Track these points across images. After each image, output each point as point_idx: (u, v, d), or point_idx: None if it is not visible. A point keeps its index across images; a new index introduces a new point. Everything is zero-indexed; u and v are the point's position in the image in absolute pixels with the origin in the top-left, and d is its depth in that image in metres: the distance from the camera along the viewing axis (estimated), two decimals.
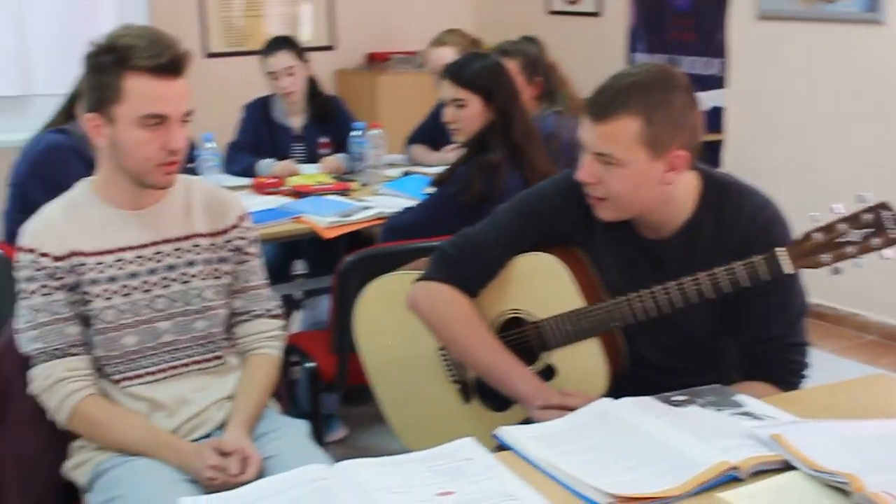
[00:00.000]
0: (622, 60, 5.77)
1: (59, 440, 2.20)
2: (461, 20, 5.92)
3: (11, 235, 3.08)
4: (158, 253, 2.19)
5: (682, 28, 5.51)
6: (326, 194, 3.79)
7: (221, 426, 2.21)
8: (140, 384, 2.19)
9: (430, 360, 2.40)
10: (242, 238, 2.30)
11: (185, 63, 2.09)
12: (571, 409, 1.94)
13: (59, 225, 2.14)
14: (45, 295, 2.11)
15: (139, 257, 2.17)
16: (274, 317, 2.38)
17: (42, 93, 4.71)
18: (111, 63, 2.04)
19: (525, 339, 2.28)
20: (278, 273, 4.31)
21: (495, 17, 6.51)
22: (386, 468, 1.60)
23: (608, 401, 1.87)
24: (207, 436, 2.20)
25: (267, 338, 2.35)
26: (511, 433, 1.75)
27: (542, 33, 5.94)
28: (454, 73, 3.18)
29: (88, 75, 2.10)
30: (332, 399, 3.61)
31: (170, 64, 2.05)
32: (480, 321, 2.24)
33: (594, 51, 5.83)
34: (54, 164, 3.09)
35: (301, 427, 2.25)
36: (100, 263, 2.14)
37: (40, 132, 3.26)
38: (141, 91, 2.04)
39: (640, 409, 1.78)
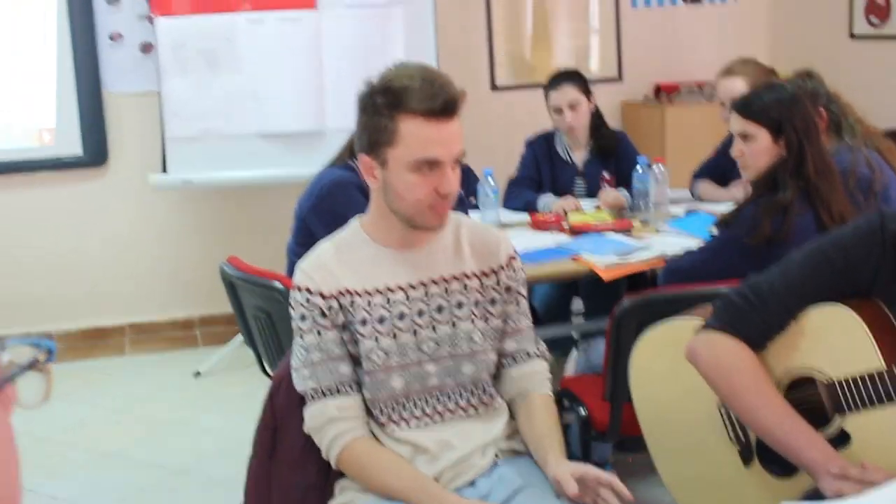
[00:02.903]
0: None
1: (325, 478, 2.21)
2: (754, 48, 5.67)
3: (293, 267, 3.16)
4: (427, 294, 2.16)
5: None
6: (605, 232, 3.68)
7: (483, 473, 2.15)
8: (405, 428, 2.16)
9: (708, 416, 2.24)
10: (513, 279, 2.24)
11: (458, 105, 2.04)
12: (869, 484, 1.73)
13: (330, 263, 2.15)
14: (317, 333, 2.12)
15: (408, 298, 2.15)
16: (544, 357, 2.31)
17: (334, 128, 4.87)
18: (385, 105, 2.02)
19: (816, 400, 2.07)
20: (556, 312, 4.25)
21: (791, 44, 6.17)
22: None
23: None
24: (471, 483, 2.14)
25: (543, 378, 2.27)
26: None
27: (844, 60, 5.62)
28: (743, 105, 2.99)
29: (362, 116, 2.09)
30: (605, 446, 3.48)
31: (444, 107, 2.01)
32: (765, 377, 2.06)
33: None
34: (336, 199, 3.16)
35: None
36: (369, 303, 2.12)
37: (325, 168, 3.34)
38: (415, 135, 2.02)
39: None
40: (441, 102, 2.00)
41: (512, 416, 2.28)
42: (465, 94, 2.06)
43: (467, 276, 2.19)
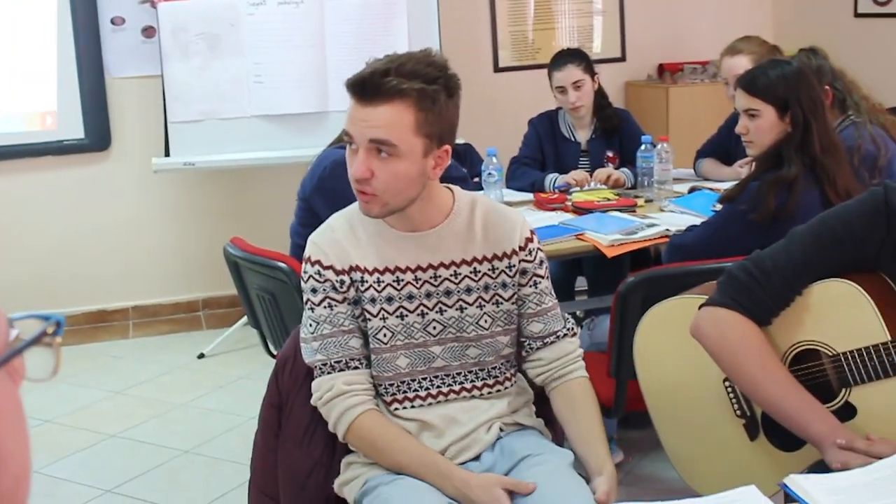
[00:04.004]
0: None
1: (332, 455, 2.21)
2: (757, 26, 5.64)
3: (297, 248, 3.16)
4: (436, 277, 2.13)
5: None
6: (609, 211, 3.67)
7: (487, 448, 2.16)
8: (409, 407, 2.16)
9: (713, 392, 2.24)
10: (528, 261, 2.18)
11: (380, 91, 1.95)
12: (875, 456, 1.73)
13: (342, 239, 2.13)
14: (328, 307, 2.11)
15: (417, 279, 2.12)
16: (574, 335, 2.27)
17: (336, 109, 4.86)
18: None
19: (821, 373, 2.07)
20: (560, 290, 4.23)
21: (795, 23, 6.14)
22: None
23: None
24: (476, 458, 2.15)
25: (575, 358, 2.24)
26: (801, 483, 1.57)
27: (848, 38, 5.60)
28: (748, 81, 2.98)
29: None
30: (610, 423, 3.49)
31: (361, 86, 1.97)
32: (770, 352, 2.05)
33: None
34: (339, 179, 3.11)
35: (566, 457, 2.14)
36: (378, 282, 2.11)
37: (327, 148, 3.33)
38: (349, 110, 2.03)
39: None
40: (358, 81, 1.97)
41: (526, 390, 2.29)
42: (396, 88, 1.94)
43: (478, 261, 2.15)
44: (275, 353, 3.27)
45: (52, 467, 3.87)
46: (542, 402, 2.31)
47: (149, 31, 5.27)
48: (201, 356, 5.04)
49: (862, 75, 3.66)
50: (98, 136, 5.37)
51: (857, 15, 5.81)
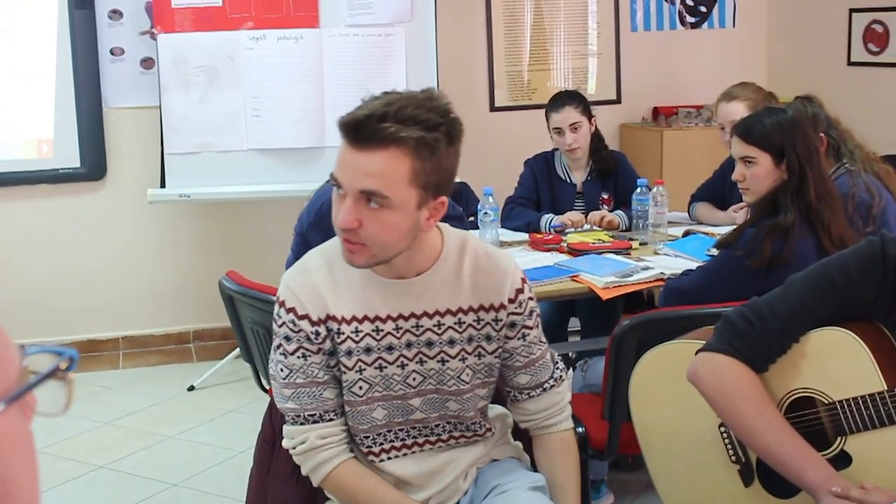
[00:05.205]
0: None
1: (319, 492, 2.21)
2: (751, 73, 5.70)
3: None
4: (418, 326, 2.02)
5: None
6: (604, 253, 3.68)
7: (465, 493, 2.17)
8: (386, 459, 2.12)
9: (709, 437, 2.24)
10: (518, 314, 2.07)
11: (371, 136, 1.80)
12: None
13: (319, 283, 2.00)
14: (302, 357, 2.01)
15: (398, 329, 2.02)
16: (561, 382, 2.22)
17: (333, 145, 4.87)
18: None
19: (817, 421, 2.08)
20: (553, 331, 4.25)
21: (789, 70, 6.20)
22: None
23: None
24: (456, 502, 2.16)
25: (560, 409, 2.20)
26: None
27: (841, 86, 5.65)
28: (744, 129, 3.01)
29: None
30: (601, 464, 3.48)
31: (355, 130, 1.81)
32: (766, 399, 2.06)
33: None
34: None
35: (536, 480, 2.15)
36: (356, 331, 2.00)
37: (326, 183, 3.34)
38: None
39: None
40: (351, 122, 1.82)
41: (505, 419, 2.29)
42: (409, 140, 1.81)
43: (463, 311, 2.04)
44: (267, 387, 3.27)
45: None
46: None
47: (148, 63, 5.30)
48: (191, 388, 5.01)
49: (855, 123, 3.70)
50: (94, 166, 5.37)
51: (850, 63, 5.87)
